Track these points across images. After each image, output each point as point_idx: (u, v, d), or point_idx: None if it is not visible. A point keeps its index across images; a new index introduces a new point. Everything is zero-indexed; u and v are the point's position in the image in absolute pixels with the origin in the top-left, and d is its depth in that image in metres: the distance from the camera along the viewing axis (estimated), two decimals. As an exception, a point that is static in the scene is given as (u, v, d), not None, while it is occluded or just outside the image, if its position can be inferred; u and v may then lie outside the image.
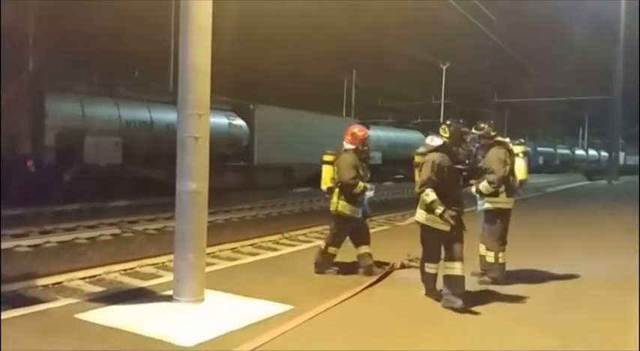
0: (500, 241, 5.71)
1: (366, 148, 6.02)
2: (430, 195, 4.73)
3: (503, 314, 4.86)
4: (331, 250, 6.06)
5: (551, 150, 57.14)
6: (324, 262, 6.08)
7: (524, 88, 41.91)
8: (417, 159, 5.14)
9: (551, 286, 5.87)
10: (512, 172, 5.64)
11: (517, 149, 5.74)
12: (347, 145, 5.99)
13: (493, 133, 5.77)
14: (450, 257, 4.86)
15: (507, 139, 5.84)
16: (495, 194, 5.63)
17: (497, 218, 5.69)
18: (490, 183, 5.52)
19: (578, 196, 20.02)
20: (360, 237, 6.08)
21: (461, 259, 4.84)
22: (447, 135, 4.93)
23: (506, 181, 5.61)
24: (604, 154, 56.10)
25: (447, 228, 4.77)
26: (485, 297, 5.36)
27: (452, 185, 4.87)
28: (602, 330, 4.50)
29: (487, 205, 5.69)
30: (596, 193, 22.08)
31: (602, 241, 9.21)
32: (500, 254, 5.68)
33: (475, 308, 4.95)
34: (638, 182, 29.84)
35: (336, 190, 5.89)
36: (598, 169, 48.16)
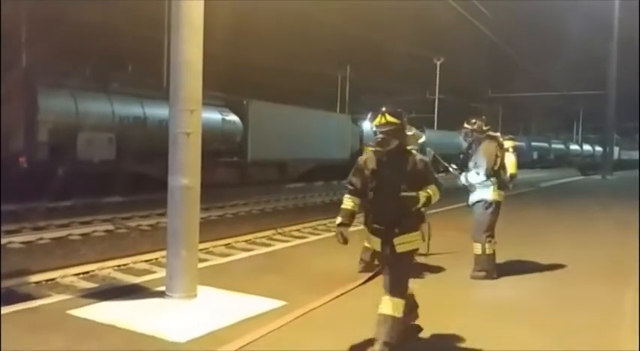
0: (488, 233, 5.73)
1: None
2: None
3: (494, 309, 4.88)
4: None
5: (545, 145, 57.28)
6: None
7: (518, 83, 42.02)
8: None
9: (541, 280, 5.90)
10: (502, 166, 5.69)
11: (507, 144, 5.82)
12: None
13: (485, 128, 5.81)
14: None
15: (498, 134, 5.86)
16: (486, 186, 5.65)
17: (487, 210, 5.72)
18: (478, 174, 5.60)
19: (572, 191, 20.09)
20: None
21: (389, 293, 3.63)
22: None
23: (497, 175, 5.66)
24: (598, 149, 56.28)
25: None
26: (477, 291, 5.39)
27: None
28: (595, 323, 4.53)
29: (478, 197, 5.71)
30: (590, 188, 22.15)
31: (595, 236, 9.23)
32: (487, 246, 5.71)
33: (465, 303, 4.98)
34: (632, 177, 30.03)
35: None
36: (592, 164, 48.26)
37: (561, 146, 62.00)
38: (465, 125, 5.84)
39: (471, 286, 5.60)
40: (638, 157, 54.88)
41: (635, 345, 3.87)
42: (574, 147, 65.51)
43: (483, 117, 5.90)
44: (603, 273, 6.31)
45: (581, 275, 6.16)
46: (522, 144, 51.39)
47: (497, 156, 5.64)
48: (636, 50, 29.36)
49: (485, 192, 5.69)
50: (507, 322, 4.51)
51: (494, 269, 5.76)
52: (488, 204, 5.72)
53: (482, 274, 5.71)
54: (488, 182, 5.66)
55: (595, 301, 5.18)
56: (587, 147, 67.70)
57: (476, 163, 5.68)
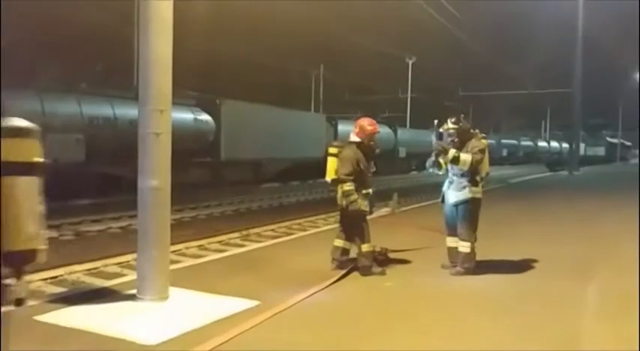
0: (475, 231, 5.78)
1: (372, 143, 5.85)
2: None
3: (470, 304, 4.94)
4: (368, 247, 5.81)
5: (514, 142, 58.31)
6: (369, 262, 5.82)
7: (488, 82, 42.69)
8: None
9: (515, 275, 5.99)
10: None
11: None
12: (353, 138, 5.84)
13: (469, 126, 5.87)
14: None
15: (477, 131, 5.92)
16: (475, 184, 5.71)
17: (476, 208, 5.78)
18: (472, 161, 5.50)
19: (540, 187, 20.50)
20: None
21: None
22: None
23: (482, 172, 5.76)
24: (565, 145, 57.56)
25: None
26: (454, 287, 5.45)
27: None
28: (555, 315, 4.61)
29: (469, 195, 5.70)
30: (558, 183, 22.65)
31: (561, 231, 9.42)
32: (475, 244, 5.77)
33: (445, 298, 5.03)
34: (597, 173, 30.82)
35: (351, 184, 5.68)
36: (559, 160, 49.38)
37: (530, 143, 63.20)
38: (450, 124, 5.74)
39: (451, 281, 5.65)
40: (602, 153, 56.42)
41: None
42: (542, 144, 66.83)
43: (463, 116, 5.89)
44: (567, 268, 6.40)
45: (546, 270, 6.25)
46: (493, 142, 52.34)
47: (484, 153, 5.71)
48: (600, 50, 30.12)
49: (471, 190, 5.71)
50: (483, 314, 4.57)
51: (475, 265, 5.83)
52: (477, 202, 5.76)
53: (462, 270, 5.76)
54: (475, 180, 5.72)
55: (557, 295, 5.25)
56: (554, 144, 69.13)
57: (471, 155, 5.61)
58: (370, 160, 5.89)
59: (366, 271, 5.74)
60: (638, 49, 36.87)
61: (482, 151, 5.63)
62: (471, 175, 5.67)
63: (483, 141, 5.80)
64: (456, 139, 5.72)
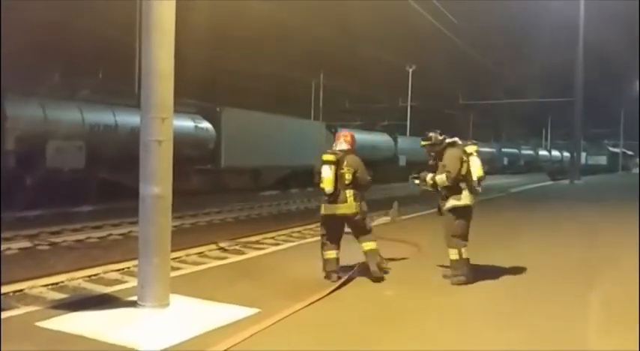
0: (462, 238, 5.82)
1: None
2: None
3: (469, 310, 4.95)
4: (374, 246, 5.94)
5: (515, 151, 58.39)
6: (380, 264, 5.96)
7: (489, 90, 42.78)
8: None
9: (515, 282, 6.00)
10: (469, 170, 5.80)
11: (470, 149, 5.90)
12: (347, 147, 5.95)
13: (441, 138, 5.96)
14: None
15: (456, 139, 5.99)
16: (458, 192, 5.75)
17: (461, 215, 5.80)
18: (447, 177, 5.67)
19: (541, 196, 20.46)
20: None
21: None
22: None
23: (467, 179, 5.76)
24: (566, 154, 57.55)
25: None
26: (452, 294, 5.45)
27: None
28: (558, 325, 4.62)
29: (452, 203, 5.77)
30: (559, 192, 22.62)
31: (563, 240, 9.42)
32: (463, 250, 5.79)
33: (444, 306, 5.04)
34: (599, 182, 30.79)
35: (352, 191, 5.74)
36: (561, 169, 49.36)
37: (531, 152, 63.29)
38: (422, 142, 6.04)
39: (448, 288, 5.66)
40: (604, 163, 56.39)
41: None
42: (543, 153, 66.92)
43: (436, 130, 6.04)
44: (569, 277, 6.41)
45: (547, 279, 6.27)
46: (493, 150, 52.38)
47: (462, 160, 5.75)
48: (603, 58, 30.19)
49: (458, 198, 5.76)
50: (485, 321, 4.58)
51: (470, 271, 5.83)
52: (462, 209, 5.80)
53: (463, 278, 5.77)
54: (459, 187, 5.75)
55: (560, 304, 5.26)
56: (555, 153, 69.20)
57: (442, 169, 5.75)
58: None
59: (378, 273, 5.80)
60: (639, 57, 36.98)
61: (457, 158, 5.72)
62: (454, 185, 5.74)
63: (468, 148, 5.86)
64: (432, 154, 5.94)
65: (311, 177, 6.11)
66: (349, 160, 5.78)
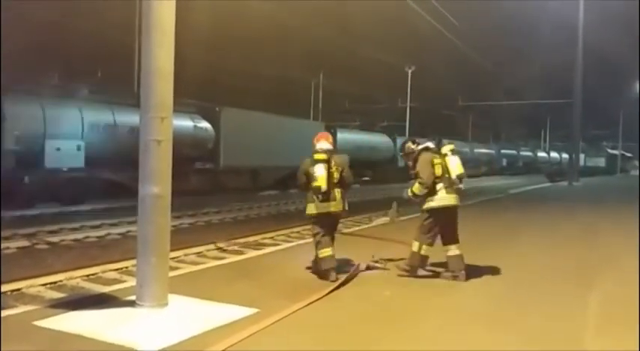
0: (428, 236, 5.92)
1: None
2: None
3: (469, 311, 4.95)
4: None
5: (514, 152, 58.43)
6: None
7: (488, 91, 42.78)
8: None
9: (515, 282, 6.01)
10: (446, 171, 5.91)
11: (444, 149, 6.02)
12: (331, 146, 6.07)
13: (413, 146, 6.14)
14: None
15: (428, 144, 6.10)
16: (434, 193, 5.86)
17: (435, 215, 5.91)
18: (421, 184, 5.83)
19: (539, 198, 20.47)
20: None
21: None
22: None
23: (444, 180, 5.87)
24: (565, 156, 57.59)
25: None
26: (452, 294, 5.46)
27: None
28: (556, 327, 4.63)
29: (428, 204, 5.90)
30: (558, 194, 22.65)
31: (562, 241, 9.43)
32: (424, 247, 5.91)
33: (443, 306, 5.05)
34: (597, 184, 30.83)
35: (339, 189, 5.88)
36: (559, 171, 49.38)
37: (529, 154, 63.33)
38: (400, 154, 6.30)
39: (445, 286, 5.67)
40: (602, 165, 56.42)
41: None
42: (542, 154, 66.95)
43: (411, 138, 6.33)
44: (568, 278, 6.42)
45: (547, 279, 6.27)
46: (492, 151, 52.43)
47: (434, 164, 5.87)
48: (602, 59, 30.17)
49: (432, 199, 5.88)
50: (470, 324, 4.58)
51: (418, 269, 5.97)
52: (437, 210, 5.88)
53: (407, 270, 5.97)
54: (435, 189, 5.85)
55: (559, 305, 5.26)
56: (554, 154, 69.23)
57: (417, 176, 5.90)
58: None
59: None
60: (638, 59, 37.00)
61: (427, 163, 5.86)
62: (430, 187, 5.88)
63: (443, 149, 5.98)
64: (409, 162, 6.12)
65: (295, 178, 6.19)
66: (336, 160, 5.94)
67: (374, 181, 29.90)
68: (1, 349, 3.80)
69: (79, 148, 14.82)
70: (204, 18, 21.35)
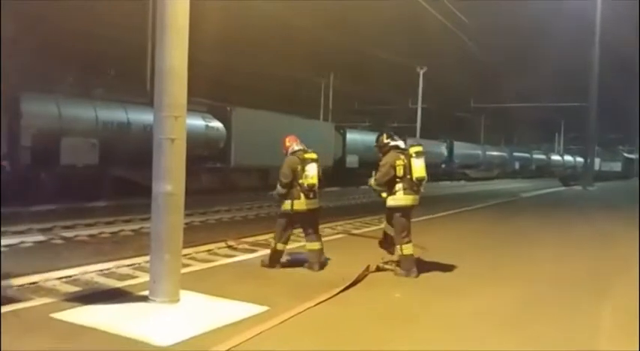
0: (404, 235, 6.11)
1: None
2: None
3: (477, 313, 4.99)
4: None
5: (527, 155, 57.96)
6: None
7: (501, 93, 42.47)
8: None
9: (525, 287, 6.02)
10: (409, 171, 6.05)
11: (411, 150, 6.15)
12: (304, 147, 6.50)
13: (386, 141, 6.31)
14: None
15: (399, 143, 6.27)
16: (394, 192, 6.08)
17: (400, 213, 6.11)
18: (375, 180, 6.15)
19: (553, 202, 20.17)
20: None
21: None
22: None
23: (404, 180, 6.04)
24: (579, 160, 57.03)
25: None
26: (461, 297, 5.49)
27: None
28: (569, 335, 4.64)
29: (389, 202, 6.15)
30: (572, 198, 22.36)
31: (576, 248, 9.38)
32: (404, 246, 6.09)
33: (451, 309, 5.09)
34: (612, 188, 30.49)
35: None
36: (573, 174, 48.93)
37: (543, 157, 62.76)
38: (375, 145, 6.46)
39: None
40: (618, 169, 55.80)
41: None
42: (555, 158, 66.30)
43: (388, 133, 6.45)
44: (579, 284, 6.41)
45: (557, 285, 6.27)
46: (504, 154, 52.09)
47: (396, 164, 6.04)
48: (618, 63, 29.75)
49: (393, 198, 6.09)
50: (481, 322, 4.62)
51: (414, 268, 6.11)
52: (398, 208, 6.09)
53: (402, 272, 6.11)
54: (397, 188, 6.05)
55: (567, 311, 5.26)
56: (568, 158, 68.51)
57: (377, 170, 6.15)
58: None
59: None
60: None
61: (388, 162, 6.08)
62: (388, 187, 6.11)
63: (411, 149, 6.12)
64: (380, 155, 6.31)
65: (279, 176, 6.53)
66: (316, 159, 6.31)
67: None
68: (22, 340, 3.91)
69: (93, 146, 15.03)
70: (215, 19, 21.48)
